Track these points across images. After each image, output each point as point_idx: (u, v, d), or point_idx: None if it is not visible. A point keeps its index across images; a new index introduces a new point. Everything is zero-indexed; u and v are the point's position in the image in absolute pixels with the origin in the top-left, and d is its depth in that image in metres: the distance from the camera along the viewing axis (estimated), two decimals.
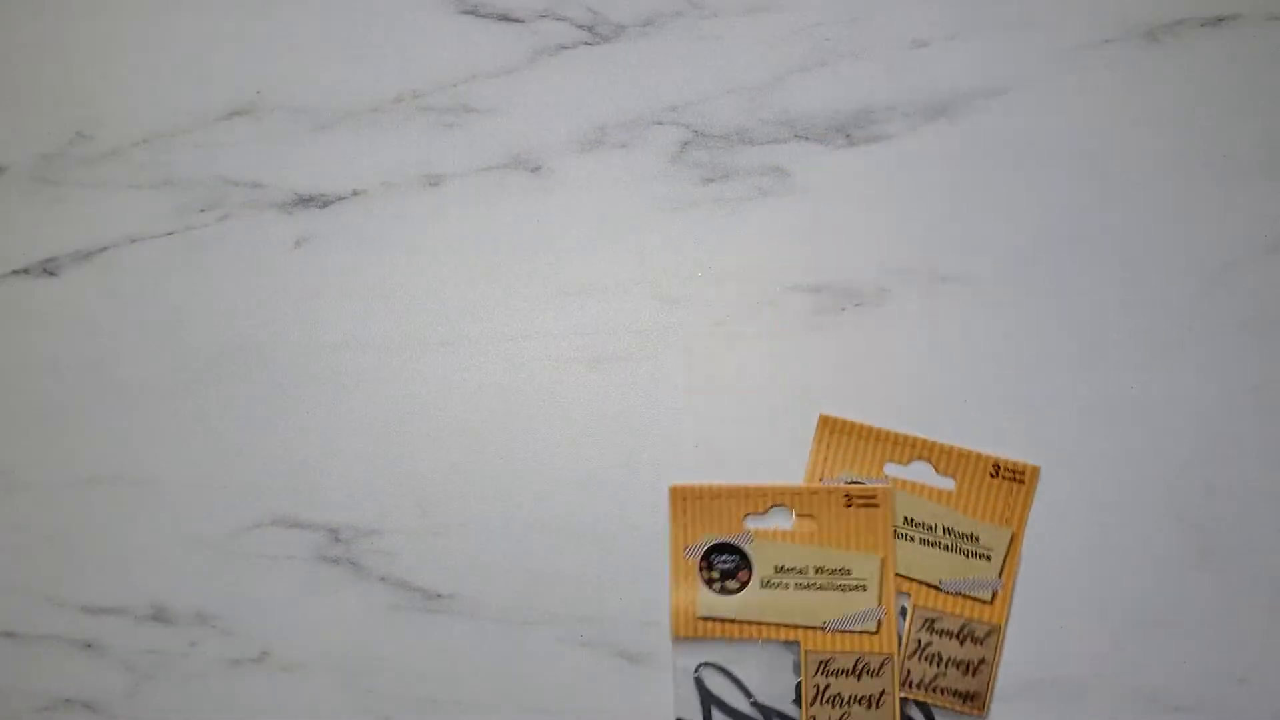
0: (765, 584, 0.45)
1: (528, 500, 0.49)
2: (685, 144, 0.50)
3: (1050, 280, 0.49)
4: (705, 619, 0.46)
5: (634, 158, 0.50)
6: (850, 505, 0.46)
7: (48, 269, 0.51)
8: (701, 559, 0.46)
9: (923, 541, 0.45)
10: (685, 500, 0.47)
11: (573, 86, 0.51)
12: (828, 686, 0.44)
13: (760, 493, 0.46)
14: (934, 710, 0.45)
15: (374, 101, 0.51)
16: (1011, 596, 0.45)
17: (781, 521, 0.46)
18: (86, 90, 0.52)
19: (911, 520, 0.46)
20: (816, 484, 0.46)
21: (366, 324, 0.50)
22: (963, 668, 0.45)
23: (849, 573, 0.45)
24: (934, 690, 0.45)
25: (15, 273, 0.52)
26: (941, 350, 0.49)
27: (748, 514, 0.46)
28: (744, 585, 0.45)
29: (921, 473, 0.47)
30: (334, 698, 0.47)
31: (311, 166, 0.51)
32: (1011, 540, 0.45)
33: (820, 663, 0.45)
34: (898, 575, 0.45)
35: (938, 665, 0.45)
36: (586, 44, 0.51)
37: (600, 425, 0.49)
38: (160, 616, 0.49)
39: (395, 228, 0.50)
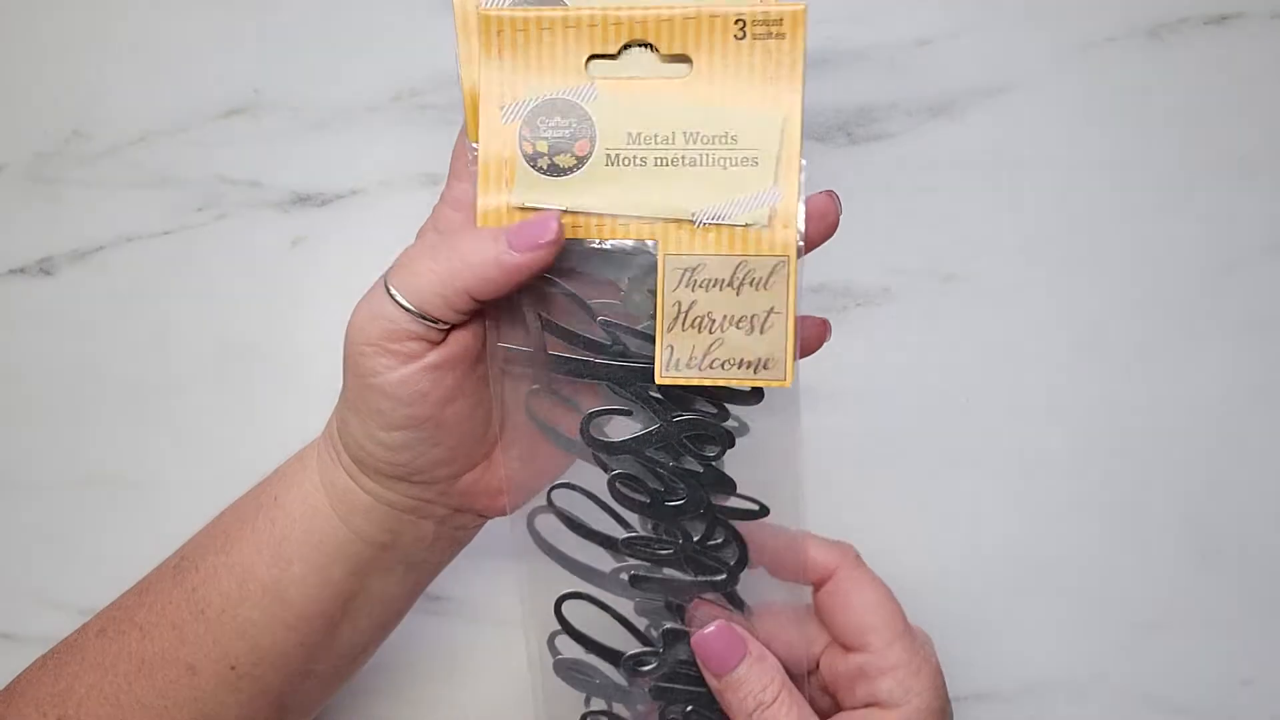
0: (611, 160, 0.32)
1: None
2: None
3: (1052, 279, 0.49)
4: (523, 209, 0.32)
5: None
6: (744, 37, 0.31)
7: (44, 268, 0.51)
8: (524, 123, 0.32)
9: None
10: (501, 33, 0.32)
11: None
12: (693, 304, 0.32)
13: (611, 23, 0.32)
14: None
15: (372, 100, 0.51)
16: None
17: (641, 67, 0.32)
18: (83, 89, 0.52)
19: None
20: (692, 5, 0.32)
21: None
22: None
23: (735, 140, 0.31)
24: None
25: (12, 272, 0.51)
26: (943, 350, 0.49)
27: (592, 56, 0.32)
28: (581, 161, 0.32)
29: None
30: (332, 698, 0.47)
31: (309, 165, 0.51)
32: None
33: (684, 271, 0.32)
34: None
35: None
36: None
37: None
38: None
39: (393, 227, 0.50)
